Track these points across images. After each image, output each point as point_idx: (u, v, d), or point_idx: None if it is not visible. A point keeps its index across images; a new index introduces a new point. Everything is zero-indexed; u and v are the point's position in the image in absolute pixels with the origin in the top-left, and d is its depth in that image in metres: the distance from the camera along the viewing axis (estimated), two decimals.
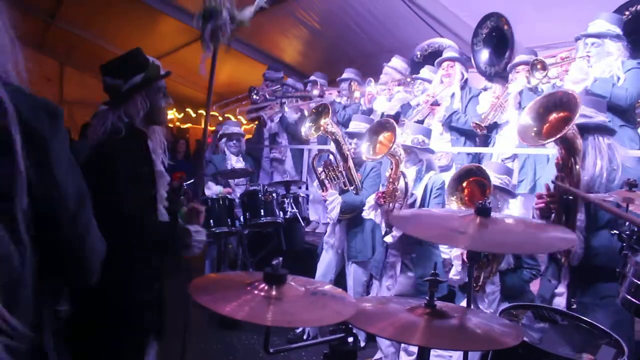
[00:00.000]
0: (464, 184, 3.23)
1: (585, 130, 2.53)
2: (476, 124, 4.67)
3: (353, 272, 4.50)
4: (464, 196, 3.20)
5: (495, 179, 3.30)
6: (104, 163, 2.21)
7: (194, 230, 2.36)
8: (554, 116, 2.44)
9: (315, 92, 6.04)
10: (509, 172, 3.59)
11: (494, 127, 4.87)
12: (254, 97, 7.19)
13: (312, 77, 6.74)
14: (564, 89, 2.70)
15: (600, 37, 3.89)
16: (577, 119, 2.37)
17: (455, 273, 3.27)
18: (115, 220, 2.11)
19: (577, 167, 2.48)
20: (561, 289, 2.68)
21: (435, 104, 5.07)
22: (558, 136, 2.34)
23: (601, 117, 2.61)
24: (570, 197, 2.48)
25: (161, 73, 2.43)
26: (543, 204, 2.61)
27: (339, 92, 6.21)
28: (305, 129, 4.56)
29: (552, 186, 2.59)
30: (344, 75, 6.25)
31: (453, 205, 3.22)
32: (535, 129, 2.47)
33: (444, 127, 5.03)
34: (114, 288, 2.07)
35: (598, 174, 2.50)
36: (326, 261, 4.69)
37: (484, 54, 5.13)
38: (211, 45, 2.46)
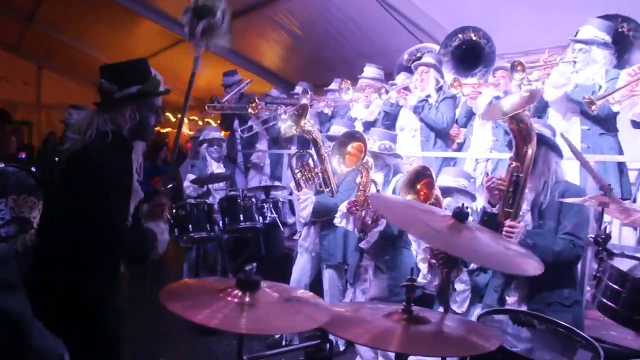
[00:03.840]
0: (418, 187, 3.28)
1: (540, 141, 2.72)
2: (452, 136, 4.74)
3: (329, 277, 4.45)
4: (419, 198, 3.24)
5: (452, 182, 3.62)
6: (91, 167, 2.11)
7: (159, 231, 2.27)
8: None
9: (305, 100, 5.97)
10: (466, 176, 3.78)
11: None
12: (217, 104, 7.01)
13: (298, 87, 6.67)
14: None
15: (588, 43, 3.85)
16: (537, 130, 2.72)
17: (421, 277, 3.25)
18: (94, 226, 2.06)
19: (530, 152, 2.66)
20: (513, 299, 2.77)
21: (407, 89, 5.06)
22: (520, 109, 2.59)
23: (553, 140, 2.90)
24: (521, 175, 2.64)
25: (160, 90, 2.33)
26: (493, 184, 2.81)
27: (326, 102, 6.17)
28: (286, 126, 4.52)
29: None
30: (332, 86, 6.18)
31: None
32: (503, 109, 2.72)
33: (416, 116, 5.00)
34: (80, 295, 2.04)
35: (543, 185, 2.76)
36: (300, 265, 4.63)
37: (451, 65, 5.15)
38: (202, 43, 2.39)
